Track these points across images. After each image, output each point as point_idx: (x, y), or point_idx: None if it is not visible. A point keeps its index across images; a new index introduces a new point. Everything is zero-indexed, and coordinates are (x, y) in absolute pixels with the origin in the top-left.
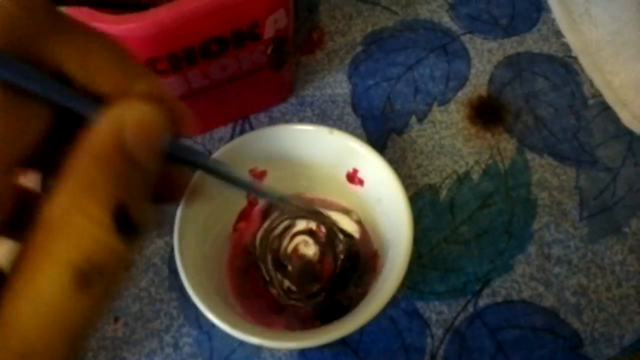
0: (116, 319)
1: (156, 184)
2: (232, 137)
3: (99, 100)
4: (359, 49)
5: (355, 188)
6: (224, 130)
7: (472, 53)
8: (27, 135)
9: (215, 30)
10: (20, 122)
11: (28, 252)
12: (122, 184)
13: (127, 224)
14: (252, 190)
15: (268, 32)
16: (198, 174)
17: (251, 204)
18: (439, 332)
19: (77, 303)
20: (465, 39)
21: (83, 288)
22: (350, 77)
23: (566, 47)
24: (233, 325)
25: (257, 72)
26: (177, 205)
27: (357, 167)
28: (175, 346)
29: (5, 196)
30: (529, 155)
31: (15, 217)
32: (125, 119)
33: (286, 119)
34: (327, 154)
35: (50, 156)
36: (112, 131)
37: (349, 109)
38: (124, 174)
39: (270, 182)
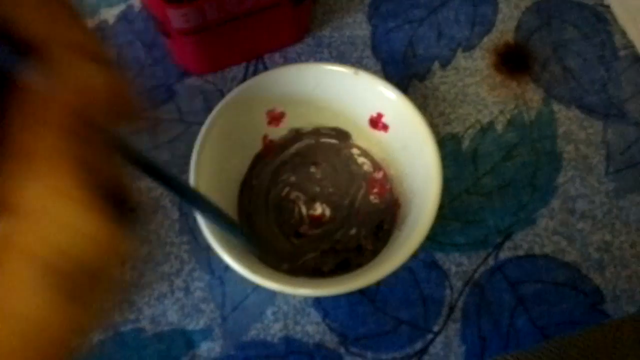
0: (123, 262)
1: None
2: (244, 77)
3: (21, 52)
4: None
5: (378, 133)
6: (237, 70)
7: None
8: None
9: None
10: None
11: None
12: (82, 148)
13: (114, 204)
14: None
15: None
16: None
17: (267, 147)
18: (458, 284)
19: (59, 310)
20: None
21: (64, 292)
22: (370, 18)
23: None
24: (254, 271)
25: (275, 7)
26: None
27: (382, 112)
28: (187, 290)
29: None
30: (556, 107)
31: None
32: (82, 84)
33: (302, 60)
34: (350, 96)
35: None
36: (75, 98)
37: (368, 52)
38: (94, 145)
39: (288, 124)
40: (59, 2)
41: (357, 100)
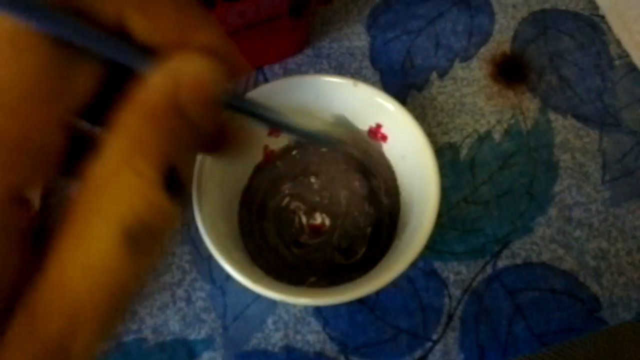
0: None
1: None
2: (245, 88)
3: (153, 54)
4: None
5: (378, 144)
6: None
7: (496, 8)
8: (78, 88)
9: None
10: (71, 77)
11: (76, 209)
12: (173, 141)
13: (174, 183)
14: (307, 136)
15: None
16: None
17: (267, 157)
18: (456, 292)
19: (127, 263)
20: None
21: (133, 248)
22: (368, 29)
23: (593, 5)
24: (255, 281)
25: (275, 19)
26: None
27: (381, 123)
28: (188, 300)
29: (55, 147)
30: (552, 116)
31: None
32: (179, 74)
33: (302, 71)
34: (349, 107)
35: (104, 106)
36: (166, 87)
37: (367, 63)
38: (176, 132)
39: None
40: (191, 6)
41: (356, 111)
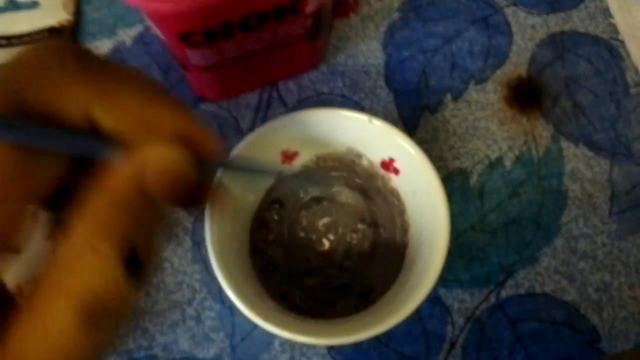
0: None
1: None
2: (258, 104)
3: (119, 144)
4: (396, 15)
5: (389, 175)
6: (251, 97)
7: (514, 28)
8: (40, 180)
9: (256, 5)
10: (34, 171)
11: (40, 286)
12: (135, 225)
13: (135, 262)
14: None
15: (310, 6)
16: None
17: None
18: (460, 320)
19: (84, 339)
20: (509, 11)
21: (90, 324)
22: (385, 46)
23: (613, 29)
24: (265, 318)
25: (293, 43)
26: (200, 209)
27: (394, 157)
28: (198, 319)
29: (15, 225)
30: (564, 144)
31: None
32: (145, 162)
33: (316, 89)
34: (364, 140)
35: (69, 188)
36: (131, 174)
37: (381, 82)
38: (140, 217)
39: (301, 162)
40: (157, 98)
41: (370, 145)
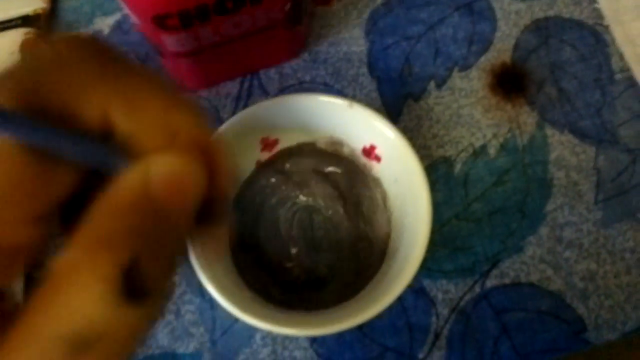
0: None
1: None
2: (239, 93)
3: (134, 153)
4: (379, 2)
5: (371, 163)
6: (231, 86)
7: (498, 14)
8: (54, 189)
9: None
10: (47, 179)
11: (33, 306)
12: (141, 239)
13: (138, 286)
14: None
15: None
16: None
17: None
18: (444, 311)
19: None
20: None
21: (78, 354)
22: (367, 33)
23: (598, 14)
24: (243, 309)
25: (272, 28)
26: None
27: (375, 144)
28: (177, 313)
29: (27, 244)
30: (549, 131)
31: None
32: (152, 171)
33: (297, 77)
34: (344, 126)
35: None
36: (135, 183)
37: (364, 70)
38: (145, 230)
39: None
40: (176, 105)
41: (351, 130)
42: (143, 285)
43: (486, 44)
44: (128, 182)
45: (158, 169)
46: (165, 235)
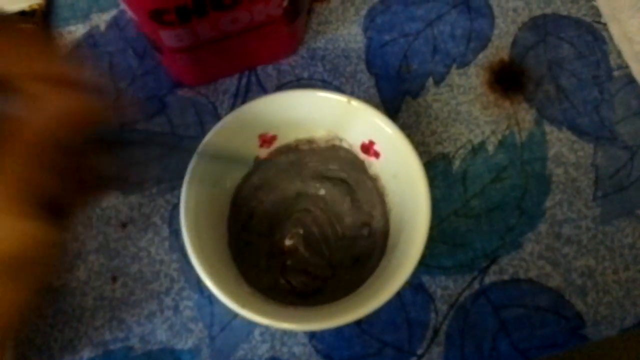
0: (114, 279)
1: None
2: (237, 90)
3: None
4: None
5: (369, 159)
6: (229, 82)
7: (496, 11)
8: None
9: None
10: None
11: None
12: (55, 175)
13: (59, 209)
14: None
15: None
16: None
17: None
18: (443, 307)
19: (5, 291)
20: None
21: (8, 276)
22: (365, 30)
23: (596, 11)
24: (242, 305)
25: (270, 24)
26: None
27: (374, 140)
28: (176, 309)
29: None
30: (548, 128)
31: None
32: (56, 112)
33: (295, 73)
34: (343, 122)
35: None
36: (44, 126)
37: (362, 66)
38: (53, 164)
39: (279, 145)
40: (21, 37)
41: (349, 127)
42: (58, 206)
43: (484, 41)
44: (34, 127)
45: (59, 109)
46: (71, 163)
